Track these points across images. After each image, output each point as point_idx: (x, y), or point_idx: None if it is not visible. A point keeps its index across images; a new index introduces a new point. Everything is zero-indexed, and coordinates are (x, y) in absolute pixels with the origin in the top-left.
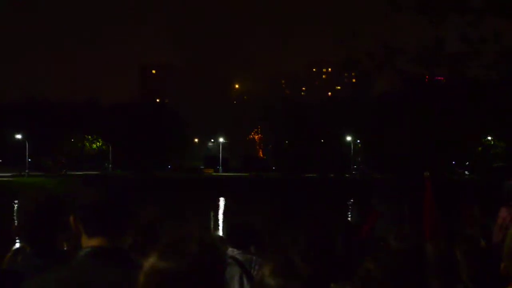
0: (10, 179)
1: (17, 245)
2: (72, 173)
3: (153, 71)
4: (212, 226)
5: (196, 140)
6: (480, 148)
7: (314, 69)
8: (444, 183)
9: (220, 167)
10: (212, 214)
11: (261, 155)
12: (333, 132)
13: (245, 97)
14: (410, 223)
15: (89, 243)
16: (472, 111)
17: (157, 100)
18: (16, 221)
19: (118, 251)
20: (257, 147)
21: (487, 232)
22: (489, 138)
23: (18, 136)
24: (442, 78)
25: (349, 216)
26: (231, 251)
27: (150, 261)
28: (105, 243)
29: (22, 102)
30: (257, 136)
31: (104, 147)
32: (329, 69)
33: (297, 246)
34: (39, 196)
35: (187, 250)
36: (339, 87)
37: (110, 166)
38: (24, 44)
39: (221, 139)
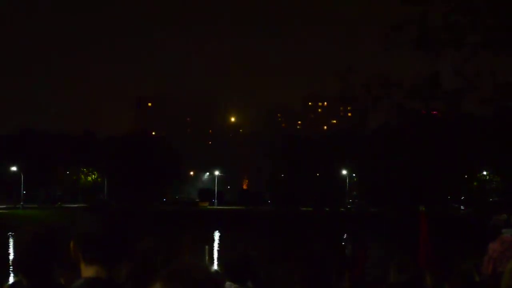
0: (5, 211)
1: (14, 278)
2: (67, 205)
3: (149, 104)
4: (207, 259)
5: (191, 173)
6: (475, 183)
7: (310, 103)
8: (440, 217)
9: (215, 200)
10: (207, 247)
11: (256, 189)
12: (329, 166)
13: (241, 130)
14: (408, 255)
15: (86, 271)
16: (468, 146)
17: (153, 133)
18: (13, 254)
19: (111, 283)
20: (252, 181)
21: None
22: (485, 173)
23: (13, 168)
24: (436, 112)
25: (344, 250)
26: (229, 285)
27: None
28: (101, 273)
29: (17, 134)
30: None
31: (99, 179)
32: (325, 103)
33: (293, 281)
34: (37, 229)
35: (190, 278)
36: (334, 121)
37: (105, 198)
38: (20, 76)
39: (216, 172)
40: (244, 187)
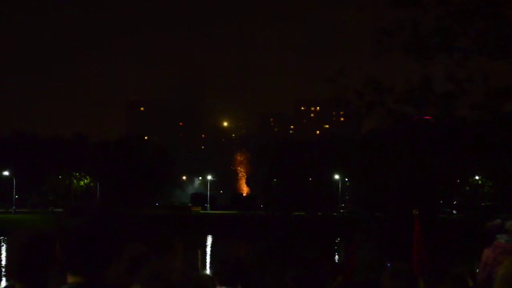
0: None
1: (7, 282)
2: (59, 210)
3: (142, 108)
4: (199, 263)
5: (184, 177)
6: (467, 187)
7: (302, 108)
8: (433, 221)
9: (208, 205)
10: (199, 251)
11: (248, 193)
12: (321, 171)
13: (233, 135)
14: (401, 260)
15: (70, 277)
16: (460, 150)
17: (145, 137)
18: (6, 259)
19: None
20: (245, 186)
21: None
22: (477, 177)
23: (5, 173)
24: (429, 117)
25: (336, 255)
26: None
27: None
28: (86, 279)
29: (9, 138)
30: (243, 171)
31: (91, 184)
32: (317, 107)
33: (285, 286)
34: (31, 234)
35: (168, 280)
36: (327, 126)
37: (97, 202)
38: (12, 80)
39: (209, 177)
40: (245, 192)
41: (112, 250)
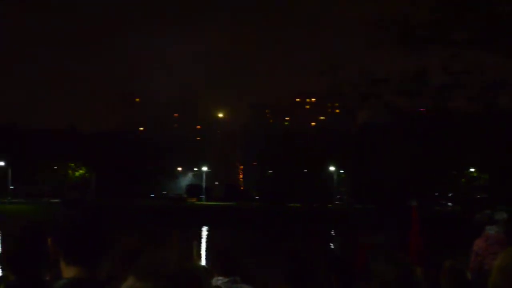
0: None
1: (1, 273)
2: (55, 200)
3: (137, 99)
4: (195, 255)
5: (179, 168)
6: (463, 180)
7: (297, 99)
8: (430, 213)
9: (204, 196)
10: (195, 243)
11: (242, 185)
12: (317, 162)
13: (229, 126)
14: (399, 250)
15: (67, 271)
16: (455, 143)
17: (141, 129)
18: (0, 250)
19: (95, 283)
20: (240, 177)
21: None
22: (472, 170)
23: (1, 163)
24: (424, 109)
25: (332, 247)
26: (216, 280)
27: (128, 283)
28: (83, 273)
29: (4, 128)
30: (240, 166)
31: (87, 175)
32: (313, 99)
33: (279, 276)
34: (24, 224)
35: (164, 271)
36: (322, 117)
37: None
38: (5, 69)
39: (204, 168)
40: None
41: (104, 243)
